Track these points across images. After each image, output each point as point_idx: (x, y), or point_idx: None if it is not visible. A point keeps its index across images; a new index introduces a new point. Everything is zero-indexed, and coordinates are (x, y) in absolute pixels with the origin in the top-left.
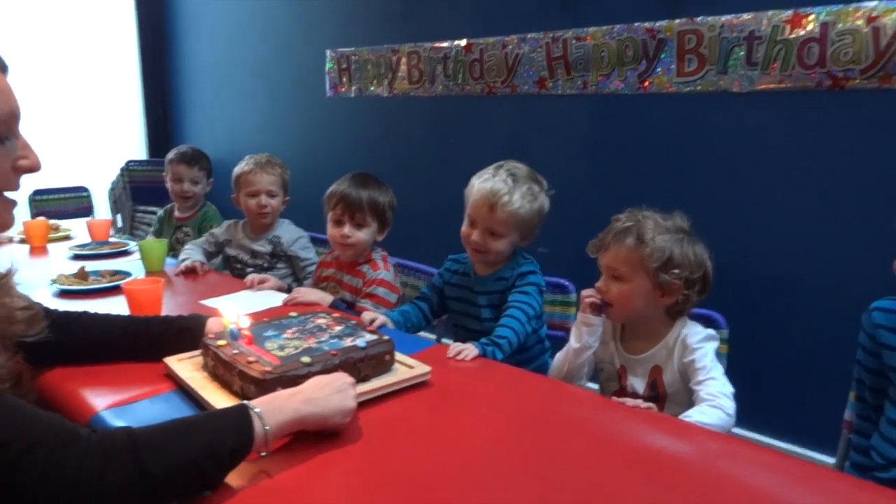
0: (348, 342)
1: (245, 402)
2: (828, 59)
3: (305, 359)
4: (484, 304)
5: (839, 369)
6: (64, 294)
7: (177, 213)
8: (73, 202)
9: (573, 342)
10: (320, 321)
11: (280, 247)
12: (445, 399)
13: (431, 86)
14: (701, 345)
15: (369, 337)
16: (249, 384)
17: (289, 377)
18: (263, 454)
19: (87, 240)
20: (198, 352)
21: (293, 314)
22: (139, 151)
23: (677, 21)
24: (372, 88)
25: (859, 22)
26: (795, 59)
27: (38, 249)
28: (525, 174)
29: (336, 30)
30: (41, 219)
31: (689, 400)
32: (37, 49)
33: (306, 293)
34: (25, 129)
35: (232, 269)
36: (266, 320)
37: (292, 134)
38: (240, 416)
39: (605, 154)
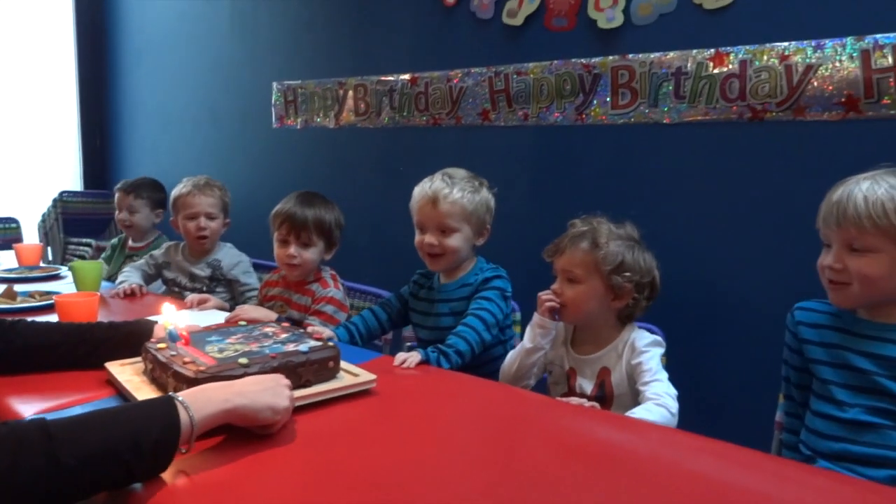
0: (290, 347)
1: (172, 393)
2: (747, 93)
3: (242, 360)
4: (445, 312)
5: (771, 379)
6: None
7: (130, 243)
8: (0, 234)
9: (527, 342)
10: (268, 329)
11: (220, 270)
12: (390, 405)
13: (378, 118)
14: (648, 348)
15: (313, 343)
16: (182, 384)
17: (222, 377)
18: (184, 450)
19: (15, 265)
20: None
21: (242, 323)
22: (74, 182)
23: (611, 58)
24: (318, 120)
25: (773, 60)
26: (719, 94)
27: None
28: (463, 175)
29: (282, 63)
30: None
31: (635, 403)
32: None
33: (249, 310)
34: None
35: (170, 293)
36: (214, 328)
37: (238, 166)
38: (165, 407)
39: (545, 182)
